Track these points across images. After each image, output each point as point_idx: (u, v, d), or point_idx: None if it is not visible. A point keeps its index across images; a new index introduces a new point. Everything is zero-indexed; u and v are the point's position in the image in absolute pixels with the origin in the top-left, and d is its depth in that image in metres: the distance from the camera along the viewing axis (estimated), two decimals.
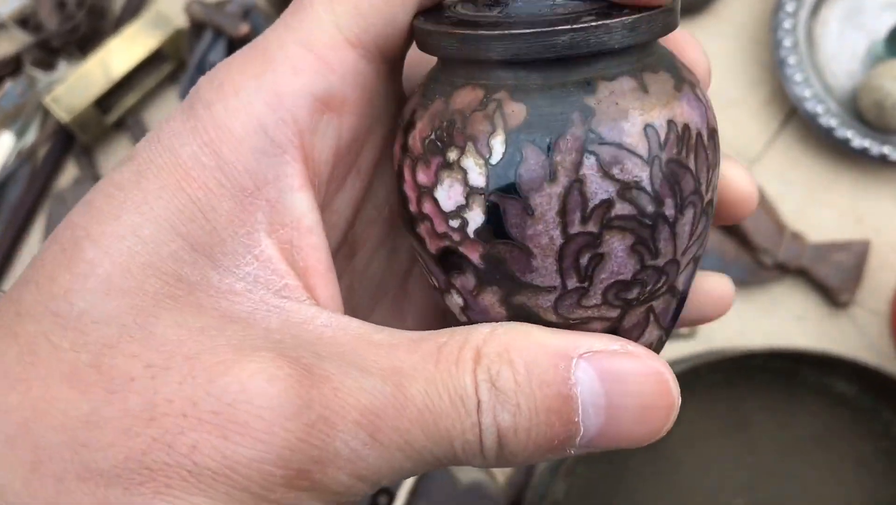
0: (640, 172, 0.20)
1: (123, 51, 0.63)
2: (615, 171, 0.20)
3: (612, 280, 0.21)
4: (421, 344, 0.19)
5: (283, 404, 0.18)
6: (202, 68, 0.55)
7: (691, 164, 0.21)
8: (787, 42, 0.63)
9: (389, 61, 0.22)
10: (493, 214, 0.20)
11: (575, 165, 0.20)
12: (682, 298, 0.23)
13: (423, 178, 0.21)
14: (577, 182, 0.20)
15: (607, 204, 0.20)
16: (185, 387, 0.18)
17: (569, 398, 0.19)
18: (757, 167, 0.64)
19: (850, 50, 0.65)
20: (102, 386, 0.18)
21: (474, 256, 0.21)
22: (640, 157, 0.20)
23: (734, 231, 0.62)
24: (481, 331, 0.20)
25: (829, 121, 0.62)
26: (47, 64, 0.64)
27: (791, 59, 0.63)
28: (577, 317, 0.21)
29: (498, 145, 0.20)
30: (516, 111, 0.20)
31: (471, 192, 0.20)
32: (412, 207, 0.22)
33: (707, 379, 0.60)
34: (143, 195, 0.20)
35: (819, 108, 0.62)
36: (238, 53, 0.21)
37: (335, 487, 0.18)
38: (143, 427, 0.18)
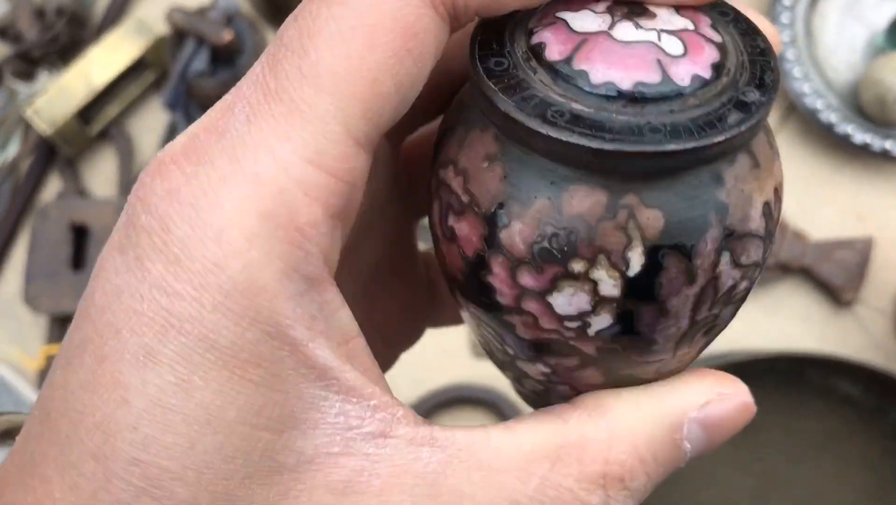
0: (760, 252, 0.20)
1: (105, 60, 0.61)
2: (743, 259, 0.19)
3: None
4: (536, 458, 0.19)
5: None
6: (185, 78, 0.54)
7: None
8: (784, 36, 0.62)
9: (395, 144, 0.20)
10: (625, 319, 0.19)
11: (713, 265, 0.19)
12: None
13: (530, 281, 0.19)
14: (713, 279, 0.19)
15: (733, 288, 0.20)
16: None
17: (682, 458, 0.21)
18: None
19: (849, 43, 0.63)
20: None
21: (589, 348, 0.20)
22: (760, 238, 0.19)
23: None
24: (597, 434, 0.20)
25: (829, 116, 0.61)
26: (27, 75, 0.63)
27: (789, 54, 0.61)
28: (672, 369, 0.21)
29: (636, 257, 0.18)
30: (652, 219, 0.18)
31: (600, 301, 0.19)
32: (504, 300, 0.20)
33: None
34: (196, 411, 0.17)
35: (819, 104, 0.61)
36: (218, 180, 0.17)
37: None
38: None
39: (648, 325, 0.19)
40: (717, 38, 0.19)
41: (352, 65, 0.17)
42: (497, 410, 0.60)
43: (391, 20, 0.17)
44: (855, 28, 0.63)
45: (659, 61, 0.18)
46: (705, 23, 0.20)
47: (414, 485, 0.18)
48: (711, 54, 0.19)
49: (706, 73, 0.18)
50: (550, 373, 0.21)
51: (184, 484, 0.16)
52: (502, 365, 0.23)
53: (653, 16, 0.19)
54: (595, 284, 0.18)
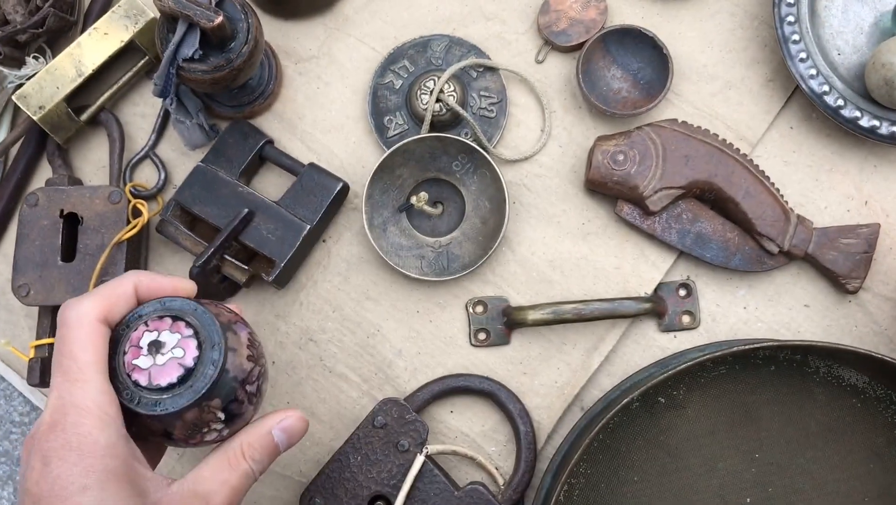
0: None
1: (95, 45, 0.60)
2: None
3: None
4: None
5: None
6: (175, 62, 0.52)
7: None
8: (789, 17, 0.60)
9: None
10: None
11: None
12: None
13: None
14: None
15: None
16: None
17: (276, 449, 0.46)
18: (759, 150, 0.62)
19: (855, 24, 0.62)
20: None
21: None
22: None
23: (737, 218, 0.60)
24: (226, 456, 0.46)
25: (835, 100, 0.59)
26: (15, 60, 0.61)
27: (794, 36, 0.60)
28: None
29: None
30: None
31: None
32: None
33: (712, 373, 0.58)
34: None
35: (825, 87, 0.59)
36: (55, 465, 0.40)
37: None
38: None
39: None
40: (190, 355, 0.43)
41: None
42: (496, 401, 0.59)
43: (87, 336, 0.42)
44: (861, 9, 0.62)
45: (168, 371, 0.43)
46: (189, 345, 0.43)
47: None
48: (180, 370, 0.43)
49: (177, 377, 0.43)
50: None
51: None
52: None
53: (162, 345, 0.43)
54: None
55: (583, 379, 0.59)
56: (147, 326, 0.43)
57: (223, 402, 0.43)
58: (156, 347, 0.42)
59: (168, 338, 0.43)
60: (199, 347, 0.43)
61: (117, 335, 0.43)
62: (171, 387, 0.42)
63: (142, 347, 0.42)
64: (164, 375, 0.42)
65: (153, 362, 0.42)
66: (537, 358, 0.60)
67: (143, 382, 0.42)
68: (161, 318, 0.43)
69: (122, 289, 0.44)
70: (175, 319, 0.43)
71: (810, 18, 0.61)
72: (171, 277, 0.46)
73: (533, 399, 0.59)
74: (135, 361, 0.42)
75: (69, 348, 0.41)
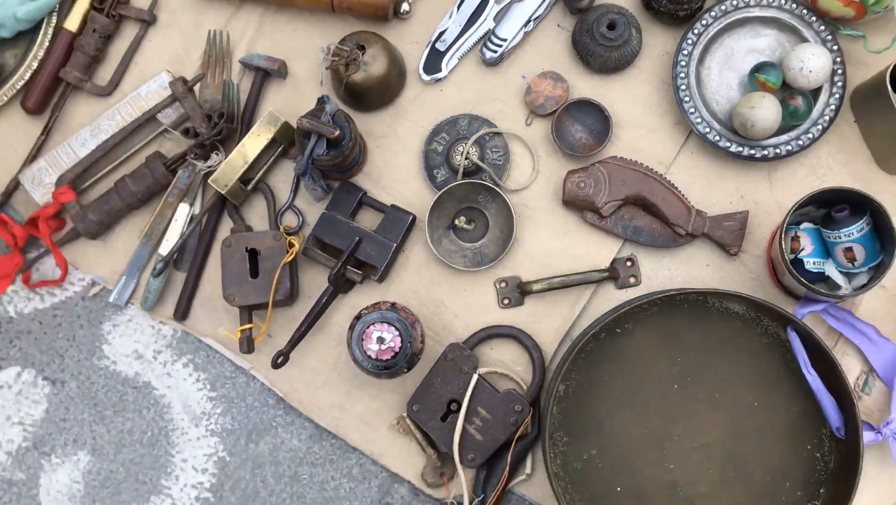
0: None
1: (252, 142, 0.97)
2: None
3: None
4: None
5: None
6: (311, 157, 0.90)
7: None
8: (683, 85, 0.96)
9: None
10: None
11: None
12: None
13: None
14: None
15: None
16: None
17: None
18: (672, 169, 0.98)
19: (727, 85, 0.97)
20: None
21: None
22: None
23: (658, 215, 0.96)
24: None
25: (714, 136, 0.95)
26: (203, 156, 0.99)
27: (685, 97, 0.95)
28: None
29: None
30: None
31: None
32: None
33: (648, 312, 0.94)
34: None
35: (707, 129, 0.95)
36: None
37: None
38: None
39: None
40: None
41: None
42: (518, 340, 0.96)
43: None
44: (730, 75, 0.97)
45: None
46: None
47: None
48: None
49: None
50: None
51: None
52: None
53: (384, 340, 0.87)
54: None
55: (569, 322, 0.97)
56: (375, 326, 0.86)
57: (408, 368, 0.89)
58: (380, 340, 0.86)
59: (386, 335, 0.86)
60: (402, 339, 0.86)
61: (355, 331, 0.87)
62: (388, 360, 0.86)
63: (373, 339, 0.86)
64: (385, 354, 0.86)
65: (379, 348, 0.85)
66: (541, 312, 0.97)
67: (373, 356, 0.86)
68: (382, 322, 0.86)
69: None
70: (389, 323, 0.86)
71: (696, 83, 0.97)
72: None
73: (540, 337, 0.97)
74: (368, 346, 0.86)
75: None
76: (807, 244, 0.91)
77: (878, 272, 0.88)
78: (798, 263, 0.91)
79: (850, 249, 0.89)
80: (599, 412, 0.93)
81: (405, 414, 0.95)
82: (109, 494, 0.99)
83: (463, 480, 0.93)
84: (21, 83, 0.99)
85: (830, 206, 0.90)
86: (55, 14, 1.00)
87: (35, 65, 0.99)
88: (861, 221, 0.88)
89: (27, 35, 1.00)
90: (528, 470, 0.95)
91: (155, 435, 1.00)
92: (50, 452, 1.00)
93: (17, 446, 1.00)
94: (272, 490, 0.98)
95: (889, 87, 0.88)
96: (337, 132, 0.88)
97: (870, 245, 0.88)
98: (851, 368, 0.94)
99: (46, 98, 1.00)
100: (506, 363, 0.97)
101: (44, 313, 1.01)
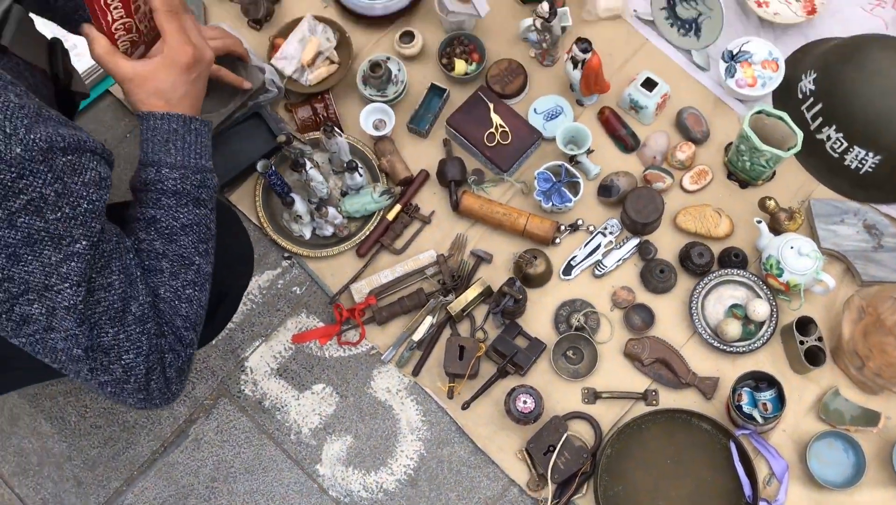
0: None
1: (471, 292, 1.90)
2: None
3: None
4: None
5: None
6: (503, 308, 1.81)
7: None
8: (694, 308, 1.87)
9: None
10: None
11: None
12: None
13: None
14: None
15: None
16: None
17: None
18: (684, 349, 1.87)
19: (716, 312, 1.88)
20: None
21: None
22: None
23: (672, 370, 1.84)
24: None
25: (707, 337, 1.85)
26: (444, 293, 1.91)
27: (695, 314, 1.87)
28: None
29: None
30: None
31: None
32: None
33: (659, 419, 1.80)
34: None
35: (704, 332, 1.85)
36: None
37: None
38: None
39: None
40: None
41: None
42: (589, 421, 1.82)
43: None
44: (718, 307, 1.88)
45: None
46: None
47: None
48: None
49: None
50: None
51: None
52: None
53: None
54: None
55: (619, 417, 1.84)
56: (521, 395, 1.76)
57: (534, 421, 1.73)
58: (524, 402, 1.74)
59: (528, 400, 1.73)
60: (535, 404, 1.75)
61: (512, 395, 1.74)
62: (527, 414, 1.72)
63: (520, 401, 1.74)
64: (525, 409, 1.73)
65: (523, 405, 1.72)
66: (604, 409, 1.86)
67: (520, 409, 1.72)
68: (526, 393, 1.73)
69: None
70: (529, 394, 1.72)
71: (701, 309, 1.88)
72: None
73: (601, 420, 1.83)
74: (518, 404, 1.73)
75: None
76: (745, 398, 1.78)
77: (779, 417, 1.75)
78: (739, 408, 1.78)
79: (766, 404, 1.76)
80: (626, 468, 1.78)
81: (525, 448, 1.81)
82: (359, 460, 1.85)
83: (550, 491, 1.77)
84: (359, 241, 1.94)
85: (759, 381, 1.78)
86: (381, 211, 1.97)
87: (367, 233, 1.95)
88: (772, 390, 1.76)
89: (369, 218, 1.97)
90: (583, 491, 1.79)
91: (388, 434, 1.86)
92: (332, 432, 1.86)
93: (315, 426, 1.87)
94: (445, 477, 1.83)
95: (795, 332, 1.78)
96: (520, 297, 1.81)
97: (775, 403, 1.75)
98: (762, 469, 1.78)
99: (368, 250, 1.95)
100: (581, 432, 1.83)
101: (344, 359, 1.91)
